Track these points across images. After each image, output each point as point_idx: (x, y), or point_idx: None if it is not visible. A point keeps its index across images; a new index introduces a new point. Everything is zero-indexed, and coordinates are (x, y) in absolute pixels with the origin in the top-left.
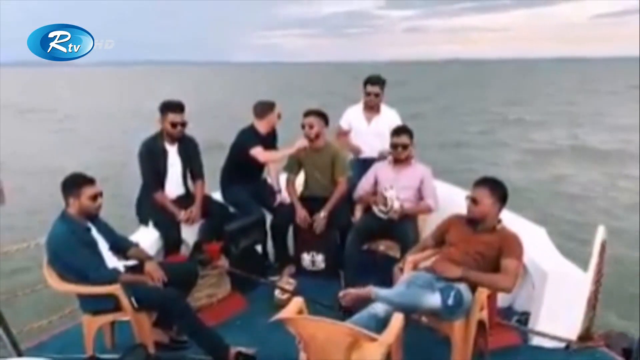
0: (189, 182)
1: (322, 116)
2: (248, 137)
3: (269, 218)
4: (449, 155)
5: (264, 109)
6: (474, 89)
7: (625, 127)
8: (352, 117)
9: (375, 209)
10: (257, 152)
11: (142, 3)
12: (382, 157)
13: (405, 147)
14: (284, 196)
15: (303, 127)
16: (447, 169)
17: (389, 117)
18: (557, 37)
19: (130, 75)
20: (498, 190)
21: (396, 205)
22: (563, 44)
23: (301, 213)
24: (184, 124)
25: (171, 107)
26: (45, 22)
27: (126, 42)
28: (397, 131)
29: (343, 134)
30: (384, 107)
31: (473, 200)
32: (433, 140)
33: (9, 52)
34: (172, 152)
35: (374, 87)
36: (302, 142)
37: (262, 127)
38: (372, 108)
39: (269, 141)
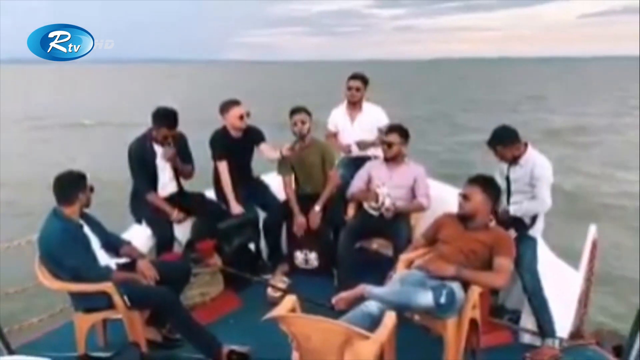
0: (182, 179)
1: (309, 113)
2: (217, 143)
3: (262, 216)
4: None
5: (221, 107)
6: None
7: None
8: (337, 118)
9: (366, 205)
10: (221, 167)
11: (133, 2)
12: (361, 146)
13: (389, 145)
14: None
15: (295, 124)
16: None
17: (372, 114)
18: (546, 36)
19: (123, 73)
20: (490, 188)
21: (387, 202)
22: (551, 43)
23: (299, 220)
24: (174, 136)
25: (166, 122)
26: (45, 22)
27: (119, 41)
28: (388, 129)
29: (331, 135)
30: (366, 105)
31: (464, 197)
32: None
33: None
34: (161, 153)
35: (355, 81)
36: (285, 151)
37: (228, 127)
38: (354, 106)
39: (244, 143)
